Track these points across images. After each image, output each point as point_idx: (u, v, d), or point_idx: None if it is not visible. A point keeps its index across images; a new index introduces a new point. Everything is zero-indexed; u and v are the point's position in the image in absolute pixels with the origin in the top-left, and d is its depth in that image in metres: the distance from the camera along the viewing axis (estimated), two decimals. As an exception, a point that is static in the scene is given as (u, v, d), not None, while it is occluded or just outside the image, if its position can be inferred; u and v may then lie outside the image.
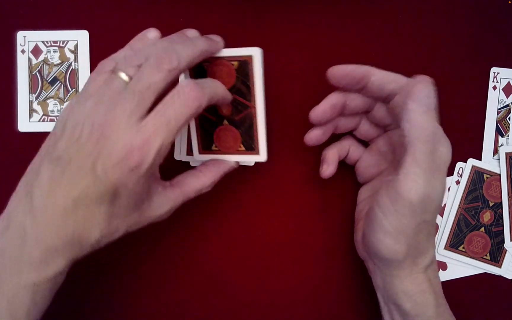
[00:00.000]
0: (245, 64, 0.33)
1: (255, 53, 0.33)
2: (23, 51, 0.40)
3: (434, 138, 0.31)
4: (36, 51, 0.40)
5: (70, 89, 0.40)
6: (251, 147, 0.35)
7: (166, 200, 0.33)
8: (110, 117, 0.29)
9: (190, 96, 0.30)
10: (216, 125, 0.36)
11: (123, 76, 0.30)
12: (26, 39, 0.40)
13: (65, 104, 0.40)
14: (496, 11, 0.40)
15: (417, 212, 0.30)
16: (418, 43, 0.40)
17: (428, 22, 0.40)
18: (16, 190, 0.31)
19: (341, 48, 0.40)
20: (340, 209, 0.40)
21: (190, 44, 0.32)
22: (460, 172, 0.40)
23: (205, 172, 0.35)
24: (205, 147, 0.36)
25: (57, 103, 0.40)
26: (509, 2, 0.40)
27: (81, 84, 0.40)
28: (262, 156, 0.36)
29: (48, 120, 0.40)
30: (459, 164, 0.39)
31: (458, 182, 0.39)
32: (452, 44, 0.40)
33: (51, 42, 0.40)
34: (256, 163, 0.39)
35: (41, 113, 0.40)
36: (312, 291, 0.40)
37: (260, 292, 0.40)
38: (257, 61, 0.33)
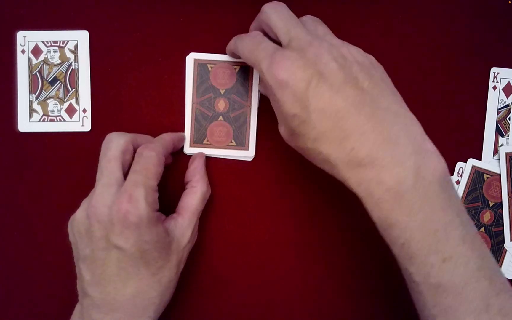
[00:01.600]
0: (246, 69, 0.39)
1: None
2: (23, 51, 0.40)
3: None
4: (36, 51, 0.40)
5: (70, 89, 0.40)
6: (242, 143, 0.39)
7: (183, 229, 0.35)
8: (94, 202, 0.32)
9: (149, 152, 0.34)
10: (211, 119, 0.39)
11: None
12: (26, 39, 0.40)
13: (66, 104, 0.40)
14: (496, 11, 0.40)
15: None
16: (418, 43, 0.40)
17: (428, 22, 0.40)
18: None
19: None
20: (339, 208, 0.40)
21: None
22: (460, 172, 0.40)
23: (196, 183, 0.37)
24: (197, 141, 0.39)
25: (57, 103, 0.40)
26: (509, 2, 0.40)
27: (81, 84, 0.40)
28: (251, 152, 0.39)
29: (48, 120, 0.40)
30: (459, 164, 0.39)
31: (458, 182, 0.39)
32: (452, 44, 0.40)
33: (51, 42, 0.40)
34: (254, 160, 0.40)
35: (41, 113, 0.40)
36: (311, 291, 0.40)
37: (258, 291, 0.40)
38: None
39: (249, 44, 0.33)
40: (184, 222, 0.35)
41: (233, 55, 0.37)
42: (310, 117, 0.29)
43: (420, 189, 0.27)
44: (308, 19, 0.34)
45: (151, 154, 0.33)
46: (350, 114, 0.28)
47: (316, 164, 0.32)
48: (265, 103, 0.40)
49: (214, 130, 0.39)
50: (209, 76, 0.39)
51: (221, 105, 0.39)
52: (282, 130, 0.32)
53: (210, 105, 0.39)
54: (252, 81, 0.39)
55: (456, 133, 0.40)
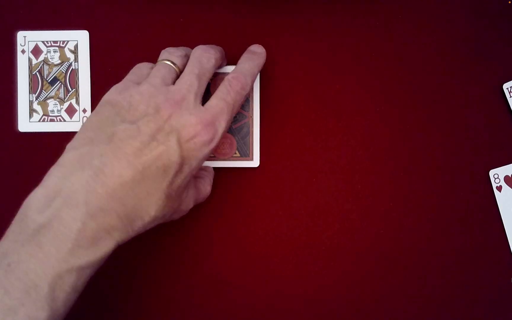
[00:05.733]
0: None
1: None
2: (23, 51, 0.40)
3: None
4: (36, 51, 0.40)
5: (70, 89, 0.40)
6: (246, 154, 0.39)
7: (192, 197, 0.34)
8: (178, 97, 0.30)
9: (239, 85, 0.33)
10: None
11: (170, 63, 0.33)
12: (26, 39, 0.40)
13: (66, 104, 0.40)
14: (496, 11, 0.40)
15: None
16: (418, 43, 0.40)
17: (427, 22, 0.40)
18: (59, 164, 0.29)
19: (339, 51, 0.40)
20: (343, 213, 0.40)
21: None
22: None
23: (207, 180, 0.37)
24: None
25: (57, 103, 0.40)
26: (509, 2, 0.40)
27: (81, 84, 0.40)
28: (255, 162, 0.39)
29: (48, 120, 0.40)
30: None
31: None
32: (451, 44, 0.40)
33: (51, 42, 0.40)
34: (259, 167, 0.40)
35: (41, 113, 0.40)
36: (311, 292, 0.40)
37: (260, 293, 0.40)
38: (257, 78, 0.38)
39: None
40: (193, 195, 0.34)
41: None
42: None
43: None
44: None
45: (242, 93, 0.33)
46: None
47: None
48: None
49: (217, 143, 0.39)
50: (209, 88, 0.38)
51: None
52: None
53: None
54: (253, 91, 0.39)
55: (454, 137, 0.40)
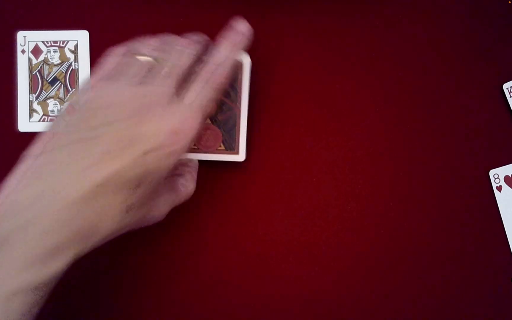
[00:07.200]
0: (234, 68, 0.35)
1: (245, 60, 0.36)
2: (23, 51, 0.40)
3: None
4: (36, 51, 0.40)
5: (70, 89, 0.40)
6: (231, 147, 0.37)
7: (166, 201, 0.33)
8: (146, 101, 0.28)
9: (217, 81, 0.32)
10: None
11: (143, 58, 0.31)
12: (26, 39, 0.40)
13: (66, 103, 0.40)
14: (496, 11, 0.40)
15: None
16: (417, 43, 0.40)
17: (427, 22, 0.40)
18: (15, 175, 0.28)
19: (339, 51, 0.40)
20: (332, 207, 0.40)
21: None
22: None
23: (189, 177, 0.35)
24: None
25: (57, 103, 0.40)
26: (509, 2, 0.40)
27: (81, 84, 0.40)
28: (241, 156, 0.37)
29: (48, 120, 0.40)
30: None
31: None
32: (451, 44, 0.40)
33: (51, 42, 0.40)
34: (245, 161, 0.39)
35: (41, 113, 0.40)
36: (310, 292, 0.40)
37: (259, 293, 0.40)
38: (246, 68, 0.36)
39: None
40: (169, 198, 0.33)
41: None
42: None
43: None
44: None
45: (219, 87, 0.32)
46: None
47: None
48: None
49: (201, 134, 0.37)
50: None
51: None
52: None
53: None
54: (241, 82, 0.36)
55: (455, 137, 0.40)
